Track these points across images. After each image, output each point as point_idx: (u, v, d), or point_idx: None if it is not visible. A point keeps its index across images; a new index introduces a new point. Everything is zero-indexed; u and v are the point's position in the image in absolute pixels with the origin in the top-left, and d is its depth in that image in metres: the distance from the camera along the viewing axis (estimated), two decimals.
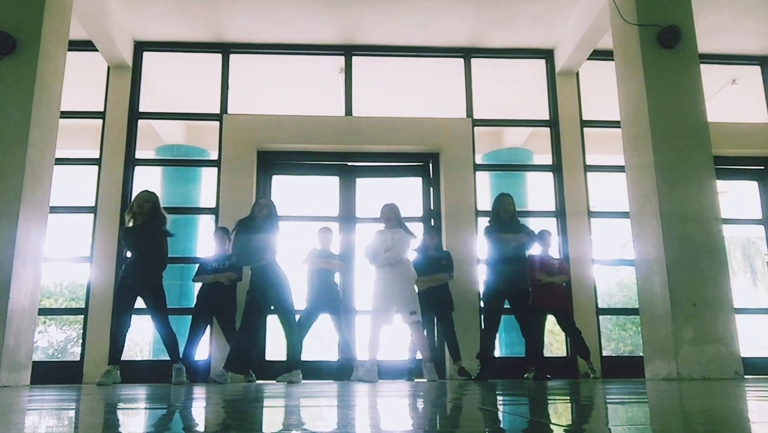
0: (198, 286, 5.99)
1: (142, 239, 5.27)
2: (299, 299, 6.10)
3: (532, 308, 5.85)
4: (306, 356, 6.10)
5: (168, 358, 5.34)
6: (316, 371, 6.31)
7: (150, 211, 5.32)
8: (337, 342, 6.33)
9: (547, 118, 7.30)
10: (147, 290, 5.24)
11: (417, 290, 5.70)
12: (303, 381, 5.29)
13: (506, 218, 5.69)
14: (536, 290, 6.00)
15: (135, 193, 6.68)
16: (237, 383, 5.54)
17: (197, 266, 6.12)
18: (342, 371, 6.29)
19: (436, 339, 6.43)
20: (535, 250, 6.37)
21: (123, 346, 5.21)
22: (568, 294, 6.40)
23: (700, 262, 4.86)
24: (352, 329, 6.47)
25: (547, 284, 6.06)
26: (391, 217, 5.70)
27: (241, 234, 5.39)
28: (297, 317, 5.62)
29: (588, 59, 7.07)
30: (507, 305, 5.76)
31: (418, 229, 6.65)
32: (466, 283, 6.40)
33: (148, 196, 5.38)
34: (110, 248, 6.43)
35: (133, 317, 5.35)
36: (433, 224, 6.90)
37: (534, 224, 7.43)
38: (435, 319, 6.18)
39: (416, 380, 5.86)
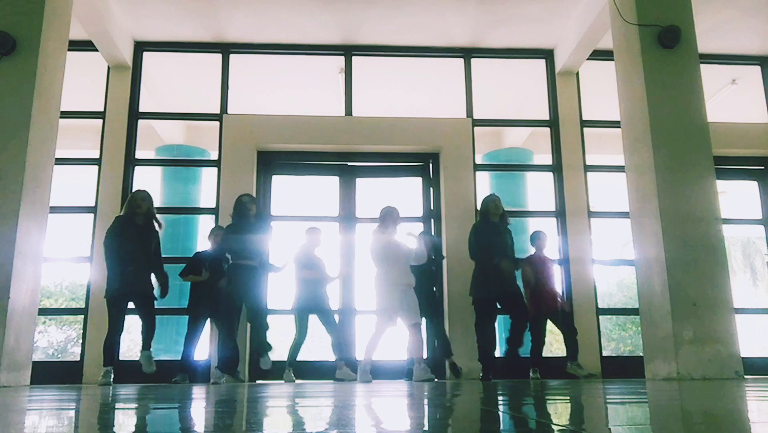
0: (190, 284, 5.99)
1: (141, 240, 5.23)
2: (286, 302, 6.11)
3: (533, 311, 5.89)
4: (305, 356, 6.12)
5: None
6: (313, 371, 6.33)
7: (147, 211, 5.30)
8: (330, 343, 6.35)
9: (547, 118, 7.30)
10: (141, 297, 5.24)
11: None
12: (299, 381, 5.31)
13: (495, 219, 5.71)
14: (530, 293, 6.02)
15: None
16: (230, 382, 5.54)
17: (189, 261, 6.03)
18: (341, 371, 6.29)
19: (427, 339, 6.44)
20: (529, 250, 6.38)
21: (119, 348, 5.22)
22: (561, 295, 6.38)
23: (700, 262, 4.86)
24: (343, 328, 6.45)
25: (541, 286, 6.06)
26: (397, 221, 5.70)
27: (236, 233, 5.34)
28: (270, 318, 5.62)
29: (588, 59, 7.07)
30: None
31: (417, 230, 6.66)
32: (466, 282, 6.38)
33: (146, 196, 5.35)
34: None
35: (133, 317, 5.37)
36: (432, 224, 6.90)
37: (533, 224, 7.44)
38: (425, 320, 6.20)
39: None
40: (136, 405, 2.47)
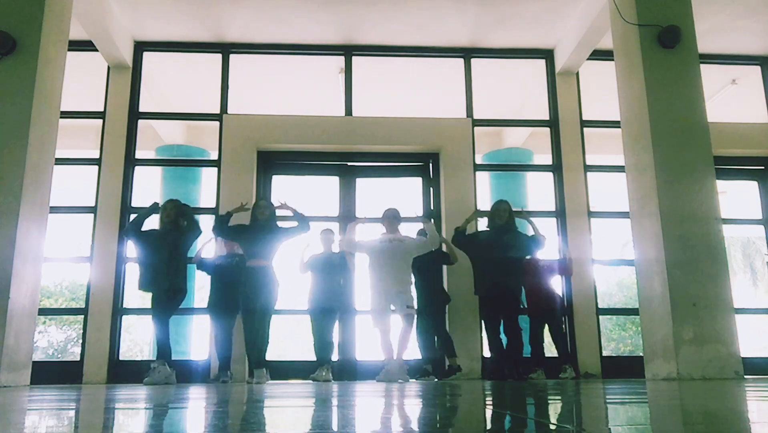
0: (208, 286, 6.07)
1: (166, 243, 5.46)
2: (302, 301, 6.15)
3: (530, 313, 5.92)
4: (306, 355, 6.13)
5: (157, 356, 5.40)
6: (312, 370, 6.33)
7: (174, 217, 5.57)
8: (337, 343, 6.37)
9: (547, 118, 7.29)
10: (169, 294, 5.40)
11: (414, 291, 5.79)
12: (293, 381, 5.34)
13: (500, 223, 5.72)
14: (529, 295, 6.04)
15: (135, 193, 6.77)
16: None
17: (197, 262, 6.10)
18: (342, 372, 6.29)
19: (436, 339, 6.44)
20: (542, 256, 6.40)
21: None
22: (557, 297, 6.36)
23: (700, 262, 4.85)
24: (343, 330, 6.47)
25: (537, 288, 6.09)
26: (393, 223, 5.75)
27: (243, 237, 5.58)
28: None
29: (588, 59, 7.06)
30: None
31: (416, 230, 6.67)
32: (466, 282, 6.38)
33: (173, 205, 5.64)
34: (110, 248, 6.42)
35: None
36: (432, 223, 6.89)
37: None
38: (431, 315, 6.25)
39: (420, 379, 5.87)
40: (135, 406, 2.46)
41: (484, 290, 5.72)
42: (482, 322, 5.96)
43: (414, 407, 2.18)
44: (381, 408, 2.14)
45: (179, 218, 5.61)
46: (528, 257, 6.09)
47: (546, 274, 6.20)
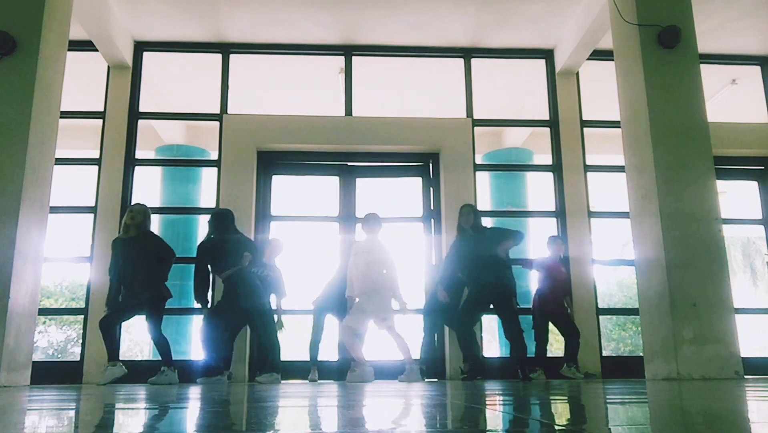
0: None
1: (135, 252, 5.36)
2: (307, 301, 6.17)
3: (537, 313, 5.92)
4: (307, 356, 6.14)
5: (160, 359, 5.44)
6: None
7: (142, 223, 5.44)
8: (337, 343, 6.39)
9: (547, 118, 7.30)
10: (144, 306, 5.36)
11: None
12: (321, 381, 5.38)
13: (468, 227, 5.70)
14: (539, 296, 6.06)
15: (135, 193, 6.76)
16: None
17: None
18: (343, 371, 6.29)
19: (436, 340, 6.46)
20: (543, 253, 6.42)
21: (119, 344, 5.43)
22: (563, 297, 6.39)
23: (700, 262, 4.85)
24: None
25: (550, 290, 6.11)
26: (374, 228, 5.75)
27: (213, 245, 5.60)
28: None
29: (588, 59, 7.06)
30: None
31: (418, 229, 6.67)
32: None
33: (140, 209, 5.51)
34: (110, 248, 6.42)
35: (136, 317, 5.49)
36: (433, 224, 6.89)
37: (535, 225, 7.44)
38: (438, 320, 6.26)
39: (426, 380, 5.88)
40: (136, 405, 2.47)
41: (472, 294, 5.62)
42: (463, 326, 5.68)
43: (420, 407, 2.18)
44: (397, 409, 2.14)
45: (146, 223, 5.47)
46: (547, 258, 6.14)
47: (551, 273, 6.23)
